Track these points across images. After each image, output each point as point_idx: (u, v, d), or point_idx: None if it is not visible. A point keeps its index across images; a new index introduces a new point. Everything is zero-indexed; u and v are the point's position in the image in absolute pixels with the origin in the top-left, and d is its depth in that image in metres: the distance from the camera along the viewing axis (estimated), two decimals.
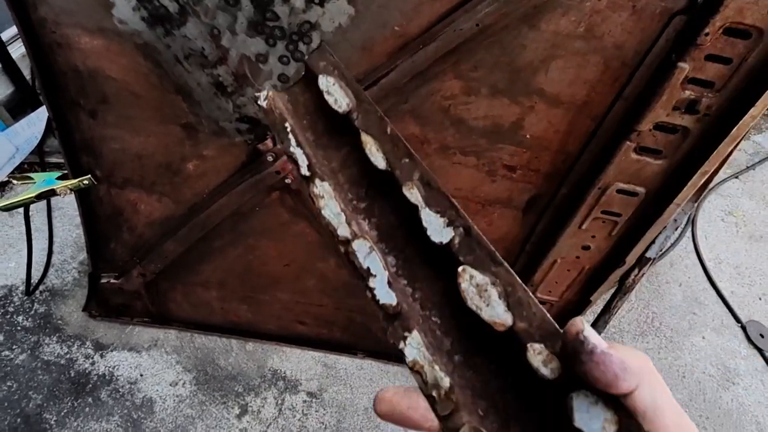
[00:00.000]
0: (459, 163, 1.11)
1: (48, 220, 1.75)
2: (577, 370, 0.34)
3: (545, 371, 0.37)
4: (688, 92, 0.87)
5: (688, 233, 2.26)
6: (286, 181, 1.16)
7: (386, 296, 0.43)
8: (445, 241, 0.43)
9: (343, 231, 0.46)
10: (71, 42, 0.99)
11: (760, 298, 2.04)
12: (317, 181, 0.47)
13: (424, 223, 0.43)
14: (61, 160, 1.89)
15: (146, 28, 0.95)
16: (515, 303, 0.39)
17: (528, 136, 1.03)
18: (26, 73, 2.07)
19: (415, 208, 0.44)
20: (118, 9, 0.93)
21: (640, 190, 1.01)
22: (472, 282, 0.40)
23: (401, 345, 0.43)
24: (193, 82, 1.03)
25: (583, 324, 0.33)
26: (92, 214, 1.33)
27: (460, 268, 0.41)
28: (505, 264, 0.40)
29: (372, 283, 0.44)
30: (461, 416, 0.39)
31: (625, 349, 0.33)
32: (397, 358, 1.69)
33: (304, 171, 0.48)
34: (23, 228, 1.76)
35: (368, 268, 0.44)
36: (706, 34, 0.79)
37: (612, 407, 0.34)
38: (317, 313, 1.57)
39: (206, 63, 0.99)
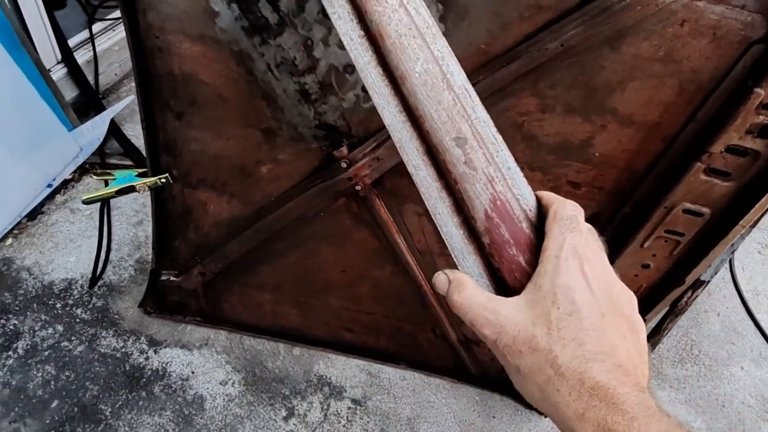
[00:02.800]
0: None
1: (107, 218, 1.81)
2: None
3: None
4: (761, 117, 0.91)
5: (726, 264, 2.26)
6: (357, 188, 1.21)
7: None
8: None
9: None
10: (171, 47, 1.06)
11: None
12: None
13: None
14: (120, 162, 1.97)
15: (244, 37, 1.02)
16: None
17: (597, 154, 1.07)
18: (90, 78, 2.17)
19: None
20: (222, 18, 1.00)
21: (706, 210, 1.04)
22: None
23: None
24: (280, 89, 1.09)
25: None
26: (163, 212, 1.39)
27: None
28: None
29: None
30: None
31: None
32: (439, 370, 1.71)
33: None
34: (83, 224, 1.83)
35: None
36: None
37: None
38: (366, 321, 1.61)
39: (295, 71, 1.06)
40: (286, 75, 1.06)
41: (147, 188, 1.28)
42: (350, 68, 1.04)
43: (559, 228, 0.48)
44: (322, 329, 1.67)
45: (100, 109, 2.05)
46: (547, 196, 0.53)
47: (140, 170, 1.30)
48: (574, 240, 0.47)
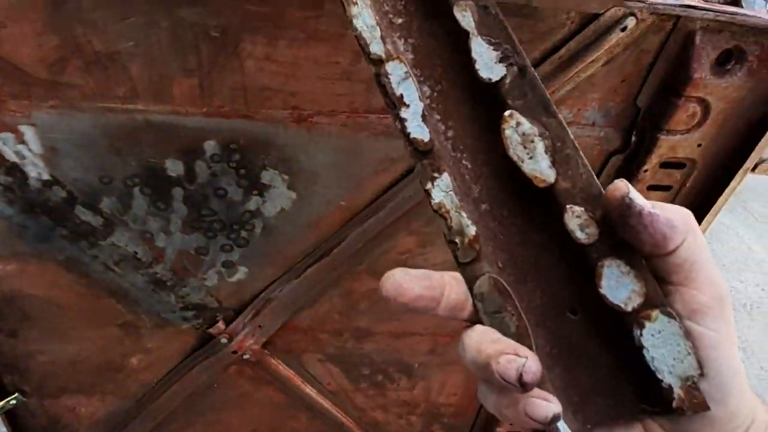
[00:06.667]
0: None
1: None
2: (623, 233, 0.33)
3: (580, 235, 0.35)
4: None
5: None
6: (245, 357, 1.08)
7: (418, 130, 0.39)
8: (494, 78, 0.38)
9: (377, 48, 0.39)
10: None
11: None
12: None
13: (473, 54, 0.38)
14: None
15: (68, 244, 0.86)
16: (562, 160, 0.36)
17: None
18: None
19: (464, 34, 0.38)
20: (32, 232, 0.84)
21: None
22: (518, 129, 0.37)
23: (428, 185, 0.41)
24: (127, 284, 0.94)
25: (627, 186, 0.33)
26: (24, 429, 1.17)
27: (506, 113, 0.37)
28: (559, 116, 0.38)
29: (404, 113, 0.39)
30: (482, 266, 0.39)
31: (668, 206, 0.33)
32: None
33: None
34: None
35: (401, 96, 0.39)
36: (645, 171, 0.82)
37: (642, 278, 0.34)
38: None
39: (140, 264, 0.91)
40: (129, 270, 0.92)
41: None
42: (203, 249, 0.91)
43: None
44: None
45: None
46: None
47: None
48: None
